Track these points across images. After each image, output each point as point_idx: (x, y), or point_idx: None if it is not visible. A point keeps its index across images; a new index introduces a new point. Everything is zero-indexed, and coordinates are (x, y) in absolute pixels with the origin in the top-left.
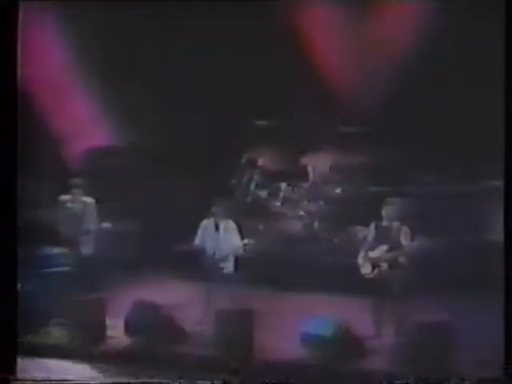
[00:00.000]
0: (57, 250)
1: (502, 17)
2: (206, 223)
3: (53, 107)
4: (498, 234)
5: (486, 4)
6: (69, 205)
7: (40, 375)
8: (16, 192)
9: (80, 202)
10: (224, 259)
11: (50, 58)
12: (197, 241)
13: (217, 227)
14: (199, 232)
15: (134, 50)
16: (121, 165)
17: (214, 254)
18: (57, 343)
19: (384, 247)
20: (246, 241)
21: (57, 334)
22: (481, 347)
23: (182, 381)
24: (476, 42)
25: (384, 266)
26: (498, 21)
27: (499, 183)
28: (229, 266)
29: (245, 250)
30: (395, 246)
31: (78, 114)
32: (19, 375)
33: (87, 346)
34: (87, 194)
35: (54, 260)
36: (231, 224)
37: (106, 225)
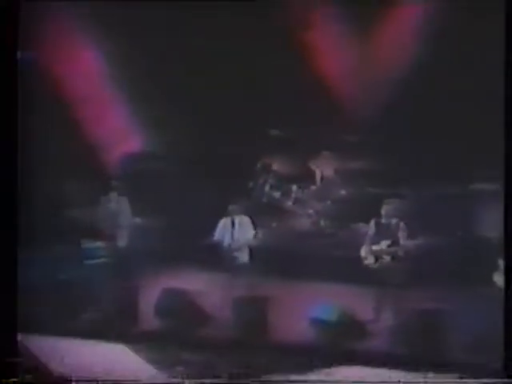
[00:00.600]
0: (96, 244)
1: (502, 17)
2: (224, 221)
3: (92, 116)
4: (487, 231)
5: (486, 4)
6: (106, 204)
7: (79, 354)
8: (16, 193)
9: (116, 201)
10: (239, 250)
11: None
12: (216, 236)
13: (233, 223)
14: (218, 229)
15: (158, 59)
16: (151, 168)
17: (230, 246)
18: (96, 325)
19: (386, 242)
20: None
21: (96, 317)
22: (471, 334)
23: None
24: (476, 42)
25: (385, 258)
26: (498, 21)
27: (493, 186)
28: (244, 257)
29: (256, 236)
30: (394, 240)
31: (115, 124)
32: (57, 355)
33: (122, 328)
34: (122, 194)
35: (93, 252)
36: (245, 218)
37: (139, 221)
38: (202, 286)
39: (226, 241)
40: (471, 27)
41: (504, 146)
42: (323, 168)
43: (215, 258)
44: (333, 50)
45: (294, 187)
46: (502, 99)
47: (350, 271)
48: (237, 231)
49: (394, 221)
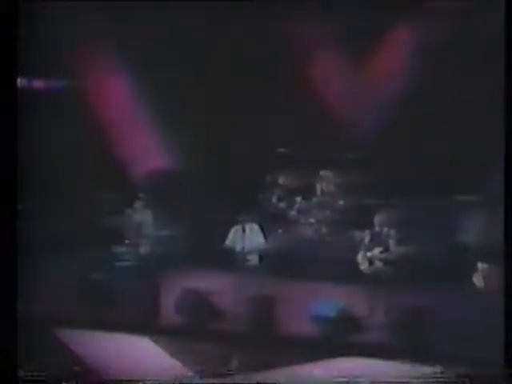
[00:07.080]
0: (122, 249)
1: (502, 17)
2: (236, 228)
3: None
4: (467, 238)
5: (486, 4)
6: (132, 214)
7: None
8: (16, 197)
9: (140, 212)
10: (250, 254)
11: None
12: (227, 241)
13: (244, 230)
14: (230, 234)
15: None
16: (172, 183)
17: (242, 251)
18: (121, 320)
19: (379, 248)
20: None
21: (122, 312)
22: (453, 328)
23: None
24: (476, 43)
25: (378, 263)
26: (498, 21)
27: (473, 198)
28: (254, 260)
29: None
30: (385, 246)
31: (141, 144)
32: (91, 348)
33: (146, 322)
34: (146, 205)
35: (120, 256)
36: (255, 227)
37: (160, 229)
38: (216, 285)
39: (238, 246)
40: (471, 27)
41: (504, 150)
42: (323, 182)
43: (228, 261)
44: (333, 75)
45: (298, 199)
46: (494, 118)
47: (347, 273)
48: (248, 237)
49: (385, 229)
